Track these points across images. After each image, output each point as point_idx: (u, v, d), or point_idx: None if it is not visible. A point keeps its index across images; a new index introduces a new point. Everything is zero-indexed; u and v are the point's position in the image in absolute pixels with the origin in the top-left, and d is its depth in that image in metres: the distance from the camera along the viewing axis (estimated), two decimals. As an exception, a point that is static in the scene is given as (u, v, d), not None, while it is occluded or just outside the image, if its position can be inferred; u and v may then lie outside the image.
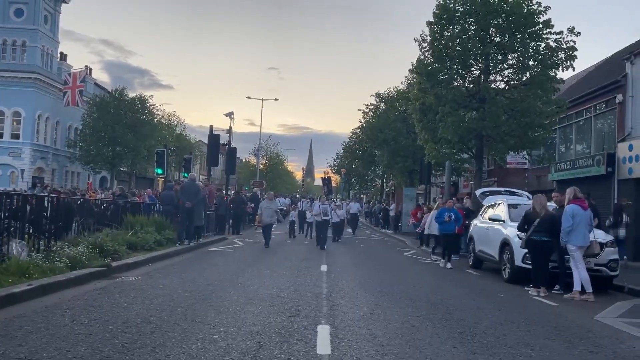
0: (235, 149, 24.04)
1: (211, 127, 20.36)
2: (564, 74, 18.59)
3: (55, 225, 9.64)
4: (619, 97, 18.72)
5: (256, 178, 60.25)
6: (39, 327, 5.46)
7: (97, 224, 14.64)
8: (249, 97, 60.88)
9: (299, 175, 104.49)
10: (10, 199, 8.96)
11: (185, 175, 30.37)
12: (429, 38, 19.12)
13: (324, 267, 12.05)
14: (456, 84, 18.70)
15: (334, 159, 63.01)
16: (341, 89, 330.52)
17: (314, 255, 15.07)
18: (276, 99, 78.60)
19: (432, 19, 18.94)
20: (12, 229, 8.43)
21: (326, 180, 47.85)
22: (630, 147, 17.72)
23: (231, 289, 8.41)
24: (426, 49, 19.21)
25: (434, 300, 8.35)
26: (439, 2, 19.03)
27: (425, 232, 17.44)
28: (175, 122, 61.23)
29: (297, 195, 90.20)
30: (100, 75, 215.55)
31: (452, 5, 18.70)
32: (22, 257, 8.15)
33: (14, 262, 7.65)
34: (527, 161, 24.72)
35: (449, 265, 13.51)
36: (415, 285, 10.07)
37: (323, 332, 5.69)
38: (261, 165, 67.00)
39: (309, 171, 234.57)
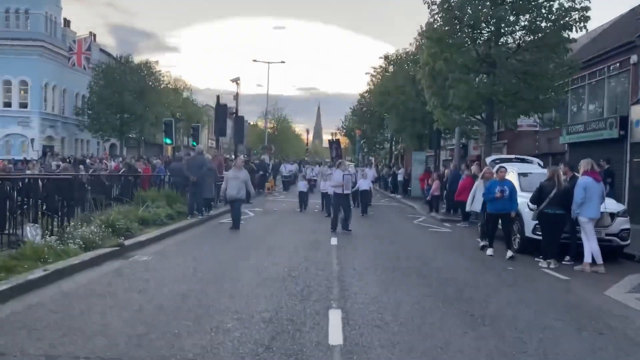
0: (242, 117, 23.90)
1: (218, 97, 20.19)
2: (576, 35, 18.13)
3: (68, 204, 9.71)
4: (634, 58, 18.29)
5: (264, 142, 60.20)
6: (57, 317, 5.57)
7: (108, 199, 14.84)
8: (255, 61, 60.35)
9: (307, 138, 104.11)
10: (22, 181, 9.02)
11: (194, 143, 30.43)
12: (438, 0, 18.67)
13: (334, 241, 12.12)
14: (466, 47, 18.29)
15: (342, 122, 62.74)
16: (349, 49, 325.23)
17: (325, 227, 15.12)
18: (282, 62, 77.61)
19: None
20: (26, 210, 8.49)
21: (334, 143, 42.60)
22: (644, 110, 17.43)
23: (244, 269, 8.51)
24: (436, 12, 18.79)
25: (445, 276, 8.41)
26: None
27: (468, 208, 14.42)
28: (182, 87, 60.77)
29: (306, 159, 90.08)
30: (105, 39, 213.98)
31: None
32: (36, 240, 8.27)
33: (29, 247, 7.76)
34: (537, 124, 24.44)
35: (509, 254, 10.33)
36: (426, 260, 10.13)
37: (334, 318, 5.76)
38: (269, 129, 66.81)
39: (317, 133, 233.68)
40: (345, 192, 14.11)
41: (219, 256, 9.69)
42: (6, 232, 8.01)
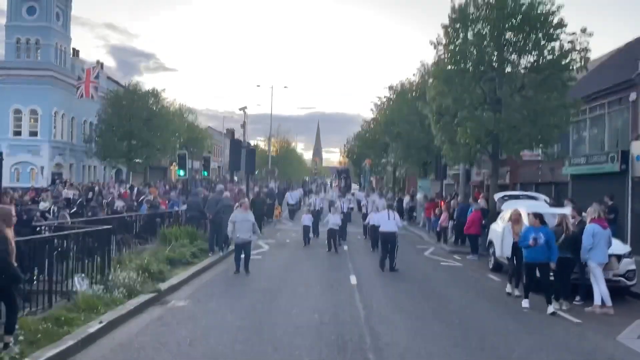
0: (254, 149, 24.66)
1: (233, 132, 21.02)
2: (578, 75, 18.93)
3: (107, 251, 10.34)
4: (633, 96, 19.05)
5: (267, 165, 60.97)
6: (125, 374, 6.17)
7: (132, 236, 15.49)
8: (258, 86, 61.46)
9: (306, 158, 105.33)
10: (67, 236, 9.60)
11: (205, 173, 31.14)
12: (444, 40, 19.51)
13: (353, 280, 12.72)
14: (472, 86, 19.03)
15: (345, 145, 63.61)
16: (348, 68, 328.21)
17: (339, 263, 15.72)
18: (285, 87, 78.81)
19: (446, 22, 19.33)
20: (76, 263, 9.10)
21: (343, 173, 39.83)
22: (645, 146, 18.13)
23: (276, 315, 9.10)
24: (442, 52, 19.63)
25: (466, 322, 9.00)
26: (454, 5, 19.38)
27: (498, 253, 13.44)
28: (186, 112, 61.68)
29: (307, 179, 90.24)
30: (105, 60, 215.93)
31: (467, 9, 19.02)
32: (84, 289, 8.88)
33: (81, 298, 8.37)
34: (540, 155, 25.15)
35: (550, 309, 9.71)
36: (444, 301, 10.73)
37: (375, 373, 6.36)
38: (272, 153, 67.63)
39: (316, 151, 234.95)
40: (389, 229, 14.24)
41: (251, 301, 10.26)
42: (59, 283, 8.58)
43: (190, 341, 7.51)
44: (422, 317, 9.30)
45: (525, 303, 10.20)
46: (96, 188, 36.01)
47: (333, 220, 18.52)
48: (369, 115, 41.34)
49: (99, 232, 10.03)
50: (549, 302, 9.85)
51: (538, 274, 10.18)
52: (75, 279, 9.02)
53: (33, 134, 43.91)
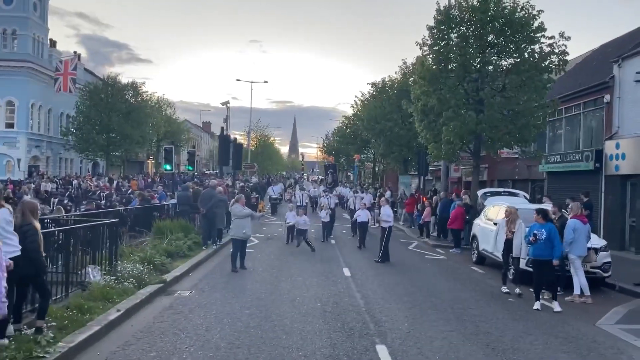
0: (241, 145, 25.00)
1: (222, 128, 21.38)
2: (556, 77, 19.82)
3: (115, 243, 10.70)
4: (607, 98, 20.06)
5: (247, 160, 61.09)
6: (154, 357, 6.60)
7: (125, 229, 15.78)
8: (238, 80, 61.36)
9: (283, 152, 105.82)
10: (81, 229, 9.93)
11: (190, 168, 31.33)
12: (429, 41, 20.18)
13: (346, 272, 13.29)
14: (456, 87, 19.75)
15: (323, 140, 64.19)
16: (323, 62, 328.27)
17: (329, 256, 16.27)
18: (265, 82, 78.84)
19: (432, 23, 20.01)
20: (89, 255, 9.46)
21: (330, 168, 38.87)
22: (617, 146, 19.13)
23: (281, 304, 9.61)
24: (427, 53, 20.32)
25: (458, 310, 9.66)
26: (439, 7, 20.08)
27: (491, 249, 13.52)
28: (165, 106, 61.44)
29: (284, 174, 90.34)
30: (77, 50, 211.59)
31: (452, 11, 19.73)
32: (97, 280, 9.25)
33: (96, 288, 8.74)
34: (518, 153, 26.10)
35: (556, 307, 9.80)
36: (435, 291, 11.37)
37: (383, 354, 6.92)
38: (251, 147, 67.79)
39: (292, 147, 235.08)
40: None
41: (252, 290, 10.74)
42: (74, 274, 8.93)
43: (206, 327, 7.97)
44: (417, 306, 9.91)
45: (537, 305, 9.93)
46: (74, 181, 35.94)
47: (290, 216, 18.47)
48: (344, 109, 41.79)
49: (109, 225, 10.37)
50: (555, 299, 9.91)
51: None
52: (89, 270, 9.37)
53: (9, 125, 43.32)
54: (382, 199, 17.62)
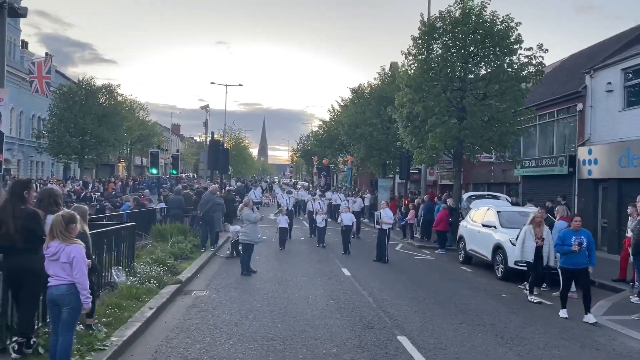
0: (228, 150, 25.44)
1: (213, 133, 21.79)
2: (532, 87, 21.01)
3: (132, 246, 11.11)
4: (580, 106, 21.33)
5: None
6: (200, 348, 7.13)
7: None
8: (212, 83, 61.51)
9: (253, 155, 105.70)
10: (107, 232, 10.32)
11: (174, 172, 31.47)
12: (414, 51, 21.09)
13: (346, 272, 13.96)
14: (440, 96, 20.67)
15: (297, 143, 64.81)
16: (291, 64, 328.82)
17: (325, 258, 16.92)
18: (240, 85, 79.01)
19: (416, 34, 20.94)
20: (115, 256, 9.86)
21: (324, 170, 38.38)
22: (590, 152, 20.37)
23: (296, 302, 10.21)
24: (412, 62, 21.22)
25: (460, 305, 10.44)
26: (423, 19, 21.04)
27: (518, 257, 11.74)
28: (137, 109, 61.06)
29: (255, 177, 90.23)
30: (37, 49, 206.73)
31: (435, 22, 20.68)
32: (122, 280, 9.67)
33: (125, 288, 9.18)
34: (493, 157, 27.30)
35: (591, 319, 9.34)
36: (434, 289, 12.15)
37: (407, 344, 7.61)
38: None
39: (262, 150, 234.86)
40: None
41: (264, 290, 11.30)
42: (104, 275, 9.34)
43: (236, 323, 8.52)
44: (422, 302, 10.65)
45: (562, 313, 9.72)
46: (48, 185, 35.62)
47: (282, 220, 18.74)
48: (313, 111, 42.43)
49: (128, 228, 10.79)
50: (588, 311, 9.48)
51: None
52: (113, 271, 9.78)
53: (-19, 128, 42.40)
54: (383, 202, 18.38)
